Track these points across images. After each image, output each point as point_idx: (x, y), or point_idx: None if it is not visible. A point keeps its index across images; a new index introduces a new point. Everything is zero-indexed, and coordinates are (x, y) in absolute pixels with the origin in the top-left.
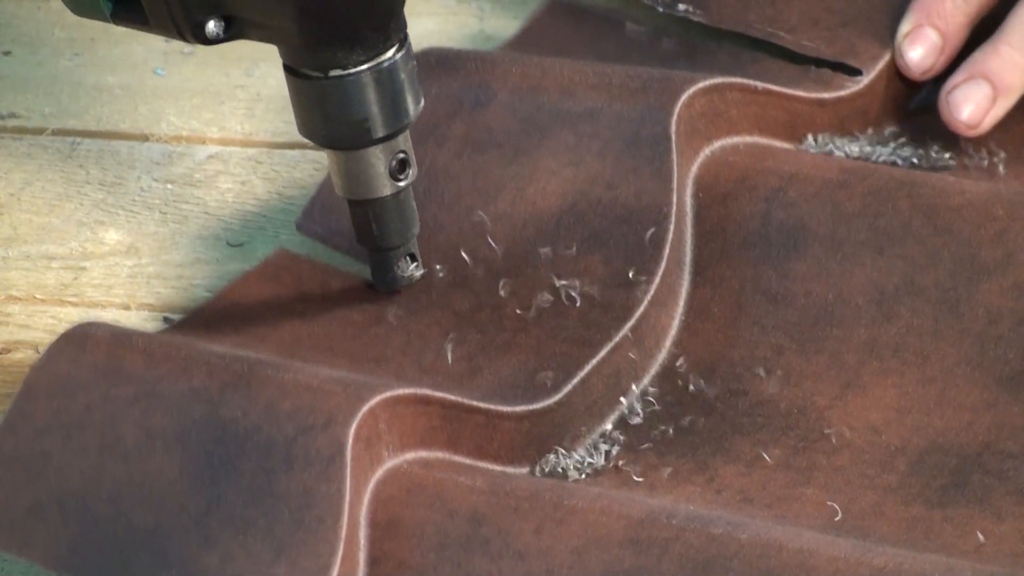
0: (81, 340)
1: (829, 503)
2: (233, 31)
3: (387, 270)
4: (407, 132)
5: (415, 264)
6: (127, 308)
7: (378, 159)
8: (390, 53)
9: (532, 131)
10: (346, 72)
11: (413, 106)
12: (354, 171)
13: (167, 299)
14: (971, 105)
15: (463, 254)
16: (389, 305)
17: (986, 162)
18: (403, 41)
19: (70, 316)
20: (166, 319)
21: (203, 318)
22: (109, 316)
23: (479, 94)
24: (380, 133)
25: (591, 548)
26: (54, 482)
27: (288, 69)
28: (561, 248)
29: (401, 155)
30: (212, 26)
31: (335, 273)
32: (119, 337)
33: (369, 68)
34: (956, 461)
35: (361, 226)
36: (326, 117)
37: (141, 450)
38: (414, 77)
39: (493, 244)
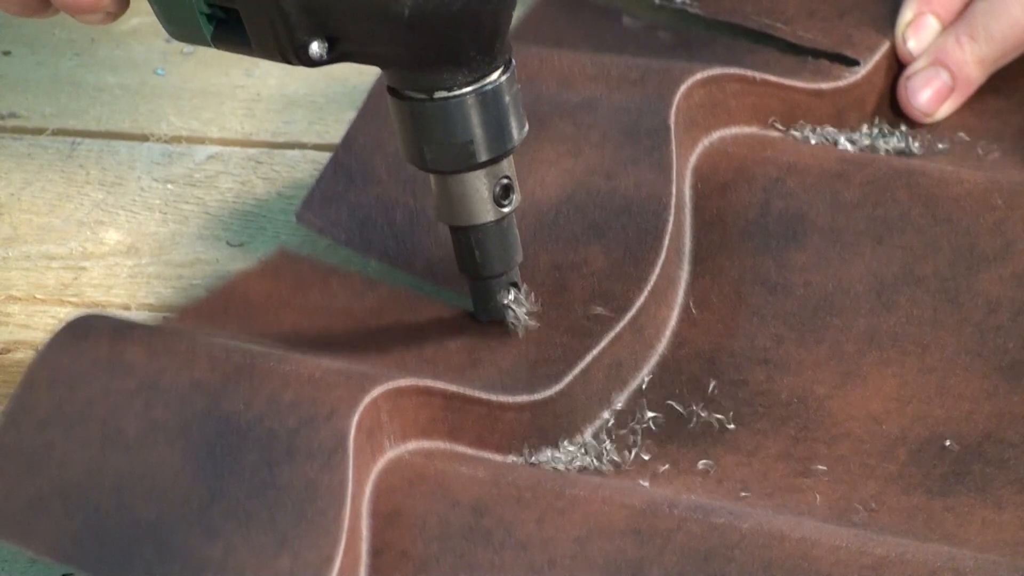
0: (83, 332)
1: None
2: (336, 53)
3: (489, 299)
4: (511, 157)
5: (517, 293)
6: (127, 308)
7: (482, 183)
8: (495, 75)
9: (531, 121)
10: (451, 94)
11: (517, 130)
12: (457, 196)
13: (167, 299)
14: (928, 92)
15: None
16: (388, 301)
17: (983, 151)
18: (508, 63)
19: (70, 316)
20: (166, 319)
21: (203, 312)
22: None
23: None
24: (484, 157)
25: (593, 538)
26: (56, 474)
27: (391, 91)
28: (560, 239)
29: (505, 180)
30: (316, 47)
31: (335, 271)
32: (121, 329)
33: (474, 90)
34: (957, 450)
35: (463, 253)
36: (430, 140)
37: (143, 442)
38: (519, 101)
39: None
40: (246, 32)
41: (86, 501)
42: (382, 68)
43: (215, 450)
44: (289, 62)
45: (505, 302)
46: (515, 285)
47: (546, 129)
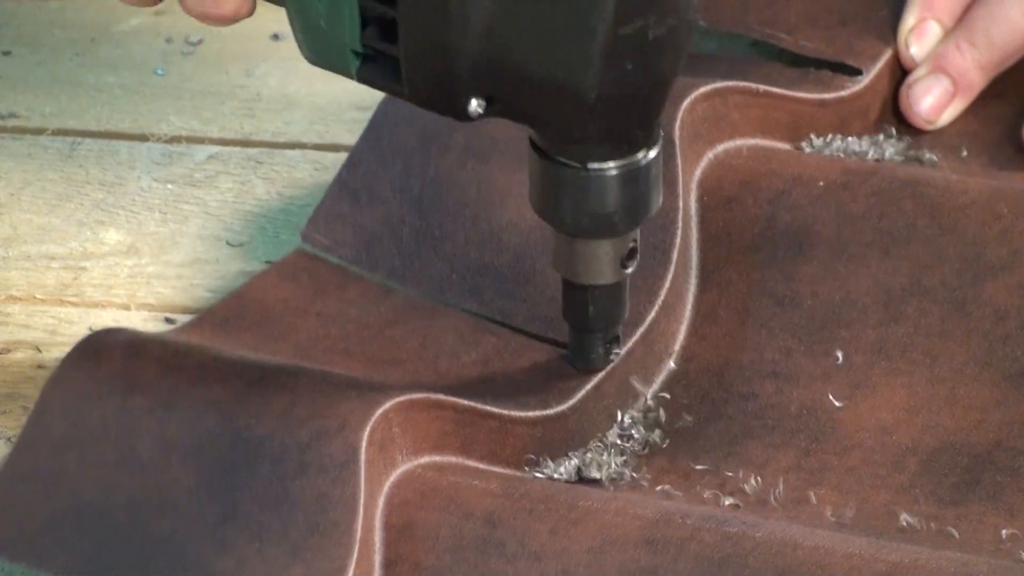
0: (95, 351)
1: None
2: (494, 110)
3: (591, 351)
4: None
5: (616, 346)
6: (127, 308)
7: (613, 248)
8: (650, 151)
9: None
10: (604, 166)
11: (656, 200)
12: (584, 256)
13: (167, 299)
14: (930, 99)
15: (472, 261)
16: (404, 310)
17: (988, 158)
18: (658, 139)
19: (70, 316)
20: (167, 319)
21: (220, 316)
22: (109, 316)
23: None
24: (624, 229)
25: (607, 548)
26: (71, 496)
27: (538, 149)
28: None
29: (632, 244)
30: (475, 105)
31: (352, 276)
32: (133, 347)
33: (627, 163)
34: (967, 460)
35: (574, 306)
36: (573, 207)
37: (157, 461)
38: (660, 172)
39: (501, 252)
40: (398, 76)
41: (100, 521)
42: (536, 130)
43: (228, 466)
44: (441, 113)
45: (604, 355)
46: (616, 339)
47: None
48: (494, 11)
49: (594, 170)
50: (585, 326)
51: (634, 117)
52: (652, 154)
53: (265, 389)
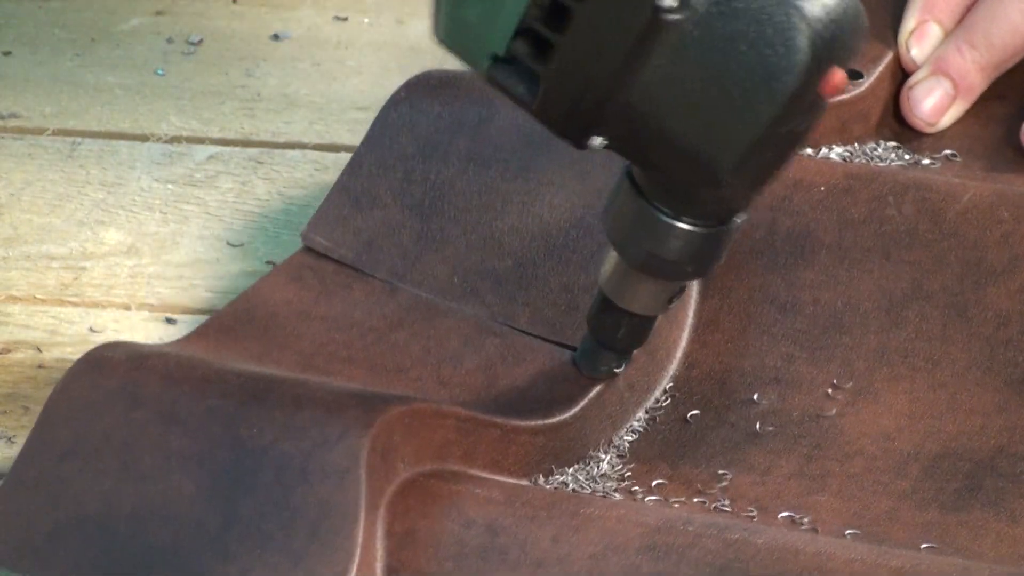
0: (98, 364)
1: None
2: (611, 147)
3: (601, 363)
4: None
5: (626, 361)
6: (127, 308)
7: (668, 288)
8: (739, 217)
9: (537, 145)
10: (696, 221)
11: (723, 258)
12: (637, 287)
13: (167, 299)
14: (931, 101)
15: (473, 265)
16: (408, 311)
17: (987, 160)
18: (749, 207)
19: (70, 316)
20: (167, 319)
21: (226, 323)
22: (109, 316)
23: (482, 111)
24: (691, 278)
25: (609, 555)
26: (74, 506)
27: (634, 184)
28: (571, 261)
29: (684, 284)
30: (597, 141)
31: (357, 274)
32: (136, 359)
33: (716, 224)
34: (969, 465)
35: (606, 324)
36: (651, 249)
37: (159, 471)
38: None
39: (503, 257)
40: (532, 90)
41: (103, 531)
42: (644, 172)
43: (230, 475)
44: (559, 135)
45: (613, 368)
46: (628, 356)
47: (552, 152)
48: (665, 71)
49: (686, 221)
50: (610, 344)
51: (748, 193)
52: (740, 219)
53: (267, 399)
